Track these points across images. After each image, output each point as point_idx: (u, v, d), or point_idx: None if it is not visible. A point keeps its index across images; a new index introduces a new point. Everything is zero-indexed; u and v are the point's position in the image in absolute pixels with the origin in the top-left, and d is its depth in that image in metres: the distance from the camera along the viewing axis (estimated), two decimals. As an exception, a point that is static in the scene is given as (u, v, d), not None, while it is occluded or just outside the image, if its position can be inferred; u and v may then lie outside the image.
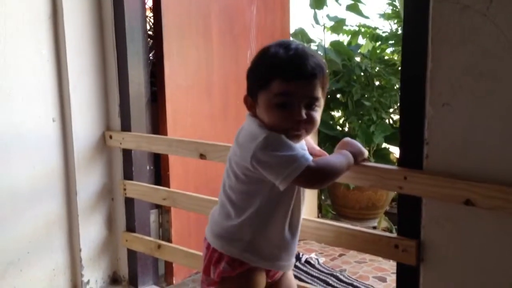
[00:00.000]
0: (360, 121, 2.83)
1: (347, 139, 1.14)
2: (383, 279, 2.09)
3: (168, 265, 1.98)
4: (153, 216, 1.96)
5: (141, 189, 1.77)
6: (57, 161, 1.75)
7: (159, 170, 1.96)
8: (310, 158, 1.01)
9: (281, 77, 1.02)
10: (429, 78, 1.05)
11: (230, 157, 1.11)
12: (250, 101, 1.10)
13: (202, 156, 1.53)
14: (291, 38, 2.78)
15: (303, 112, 1.02)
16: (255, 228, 1.06)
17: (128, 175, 1.83)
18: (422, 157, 1.09)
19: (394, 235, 1.17)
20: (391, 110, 3.13)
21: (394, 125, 3.08)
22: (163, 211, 1.99)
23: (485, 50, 0.98)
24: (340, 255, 2.36)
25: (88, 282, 1.83)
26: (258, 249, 1.07)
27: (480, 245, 1.03)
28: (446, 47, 1.02)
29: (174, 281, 1.98)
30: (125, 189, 1.80)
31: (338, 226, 1.26)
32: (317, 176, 1.02)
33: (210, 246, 1.11)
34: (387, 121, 3.05)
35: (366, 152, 1.14)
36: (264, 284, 1.12)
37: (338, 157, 1.07)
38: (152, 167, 1.91)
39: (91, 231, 1.83)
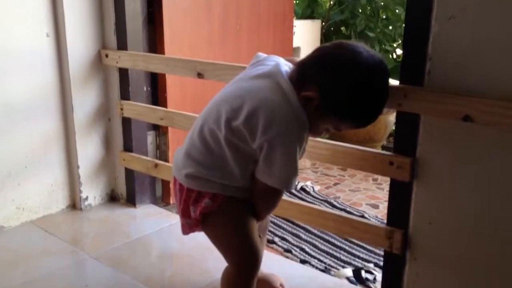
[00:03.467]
0: (362, 53, 2.76)
1: None
2: (376, 206, 2.14)
3: (165, 186, 2.02)
4: (150, 137, 1.96)
5: (138, 109, 1.76)
6: (53, 78, 1.72)
7: (156, 92, 1.94)
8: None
9: (358, 124, 1.04)
10: (437, -13, 1.01)
11: (229, 101, 1.01)
12: (312, 100, 0.98)
13: (199, 75, 1.50)
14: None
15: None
16: (238, 183, 1.05)
17: (125, 95, 1.81)
18: (424, 74, 1.07)
19: (390, 153, 1.17)
20: (395, 44, 3.07)
21: (397, 59, 3.03)
22: (160, 133, 1.99)
23: (500, -44, 0.93)
24: (335, 184, 2.41)
25: (86, 198, 1.87)
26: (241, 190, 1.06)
27: (474, 161, 1.04)
28: (459, -47, 0.97)
29: (171, 202, 2.02)
30: (122, 109, 1.79)
31: (334, 144, 1.26)
32: (270, 198, 1.06)
33: (184, 187, 1.06)
34: (390, 55, 2.99)
35: None
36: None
37: None
38: (149, 88, 1.89)
39: (89, 150, 1.84)
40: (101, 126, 1.86)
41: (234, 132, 0.99)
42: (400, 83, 1.11)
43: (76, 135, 1.78)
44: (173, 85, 1.93)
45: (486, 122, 0.97)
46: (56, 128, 1.77)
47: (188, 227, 1.10)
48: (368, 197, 2.24)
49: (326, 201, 2.16)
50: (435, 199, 1.10)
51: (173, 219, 1.81)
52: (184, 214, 1.08)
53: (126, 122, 1.84)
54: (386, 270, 1.26)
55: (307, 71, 0.99)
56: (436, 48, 1.04)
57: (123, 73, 1.79)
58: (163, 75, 1.89)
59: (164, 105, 1.91)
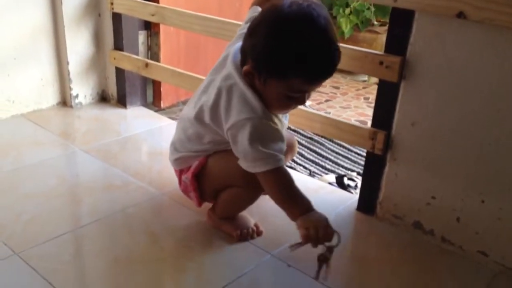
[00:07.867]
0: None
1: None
2: (364, 123, 2.16)
3: (156, 90, 2.01)
4: (141, 37, 1.92)
5: (128, 3, 1.70)
6: (40, -35, 1.65)
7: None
8: (283, 158, 0.99)
9: (305, 78, 0.92)
10: None
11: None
12: (253, 73, 0.96)
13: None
14: None
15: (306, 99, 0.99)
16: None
17: (115, -11, 1.74)
18: (423, -32, 1.03)
19: (381, 52, 1.16)
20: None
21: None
22: (152, 33, 1.95)
23: None
24: (327, 101, 2.41)
25: (77, 96, 1.86)
26: None
27: (462, 63, 1.04)
28: None
29: (162, 105, 2.03)
30: (112, 4, 1.73)
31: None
32: (269, 181, 1.00)
33: (177, 170, 1.19)
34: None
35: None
36: None
37: (298, 195, 1.00)
38: (141, -16, 1.81)
39: (79, 45, 1.80)
40: (91, 22, 1.81)
41: (207, 126, 1.06)
42: (398, -22, 1.07)
43: (66, 28, 1.74)
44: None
45: (479, 18, 0.96)
46: (45, 20, 1.72)
47: (196, 197, 1.18)
48: (357, 114, 2.26)
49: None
50: (420, 100, 1.11)
51: (163, 122, 1.83)
52: (185, 191, 1.20)
53: (117, 19, 1.79)
54: (366, 170, 1.30)
55: (242, 49, 0.98)
56: None
57: (114, -35, 1.72)
58: (156, -30, 1.81)
59: (157, 2, 1.85)
